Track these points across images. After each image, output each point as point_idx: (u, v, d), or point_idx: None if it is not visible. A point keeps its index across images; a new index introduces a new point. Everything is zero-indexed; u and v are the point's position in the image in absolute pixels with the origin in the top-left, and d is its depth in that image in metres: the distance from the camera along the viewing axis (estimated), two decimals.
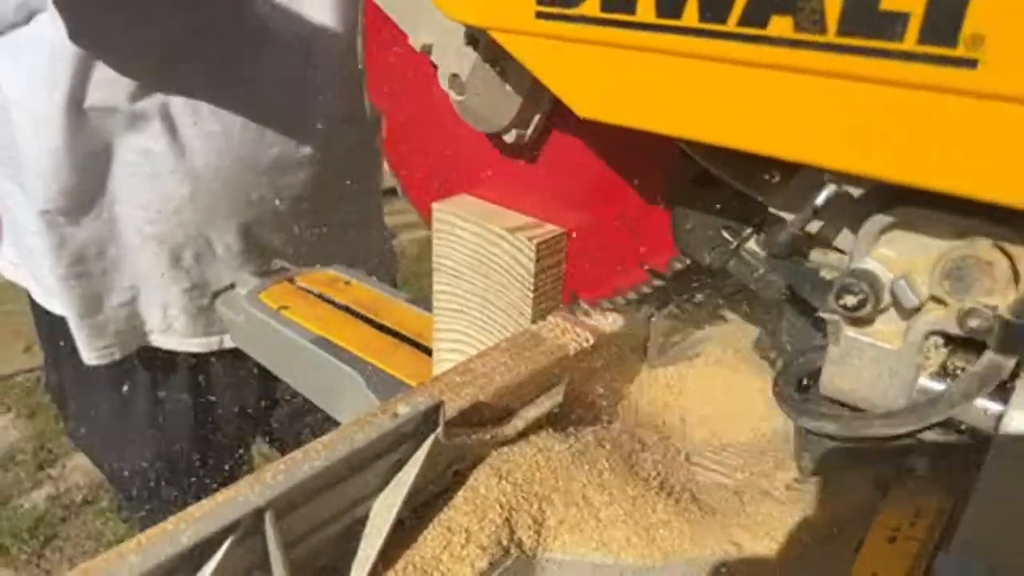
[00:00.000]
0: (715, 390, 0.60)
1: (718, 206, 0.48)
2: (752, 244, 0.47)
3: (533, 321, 0.57)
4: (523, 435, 0.49)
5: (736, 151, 0.35)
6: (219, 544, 0.32)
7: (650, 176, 0.51)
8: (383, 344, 0.76)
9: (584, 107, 0.39)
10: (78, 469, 2.23)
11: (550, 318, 0.58)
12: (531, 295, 0.56)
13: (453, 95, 0.53)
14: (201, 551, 0.32)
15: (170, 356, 1.10)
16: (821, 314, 0.40)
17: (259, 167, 1.00)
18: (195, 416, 1.14)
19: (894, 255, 0.37)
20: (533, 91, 0.50)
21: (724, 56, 0.32)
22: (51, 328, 1.09)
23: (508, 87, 0.50)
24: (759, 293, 0.48)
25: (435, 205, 0.60)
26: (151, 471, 1.14)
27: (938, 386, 0.38)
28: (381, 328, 0.79)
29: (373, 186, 1.23)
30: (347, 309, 0.84)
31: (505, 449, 0.47)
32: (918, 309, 0.37)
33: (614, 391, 0.61)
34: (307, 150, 1.03)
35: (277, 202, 1.03)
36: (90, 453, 1.22)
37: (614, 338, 0.58)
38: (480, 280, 0.59)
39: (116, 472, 1.19)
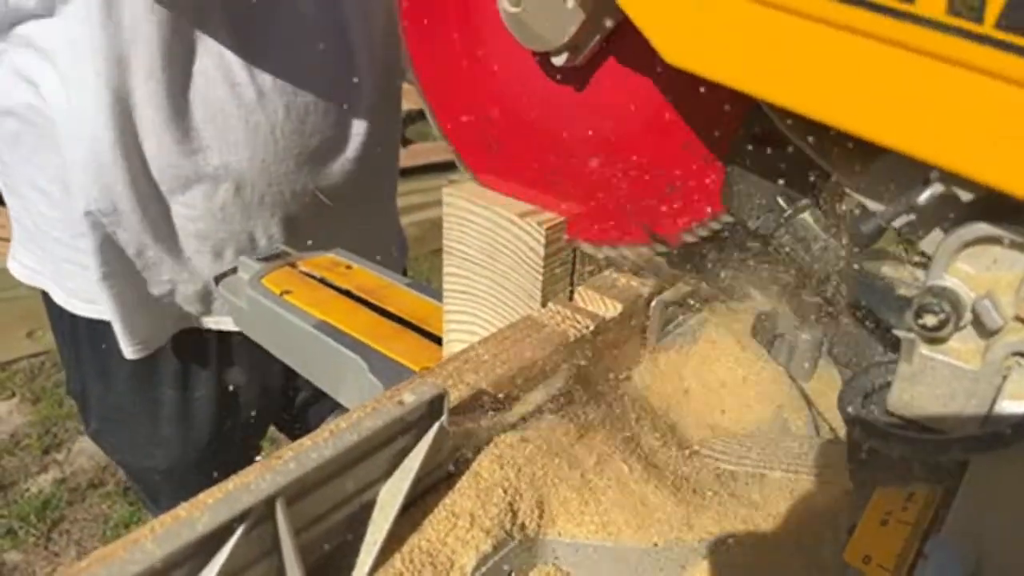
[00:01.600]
0: (714, 375, 0.61)
1: (778, 171, 0.45)
2: (807, 216, 0.46)
3: (543, 304, 0.58)
4: (525, 421, 0.50)
5: (822, 125, 0.32)
6: (232, 531, 0.33)
7: (707, 129, 0.48)
8: (385, 329, 0.77)
9: (673, 53, 0.36)
10: (83, 453, 2.25)
11: (551, 305, 0.59)
12: (540, 279, 0.57)
13: (506, 5, 0.49)
14: (215, 538, 0.33)
15: (199, 345, 1.10)
16: (897, 332, 0.38)
17: (301, 158, 1.00)
18: (221, 407, 1.14)
19: (974, 272, 0.34)
20: (597, 10, 0.46)
21: (853, 25, 0.29)
22: (74, 331, 1.09)
23: (571, 2, 0.46)
24: (805, 269, 0.46)
25: (445, 190, 0.60)
26: (178, 467, 1.15)
27: (1020, 410, 0.35)
28: (383, 313, 0.80)
29: (395, 170, 1.24)
30: (349, 294, 0.85)
31: (508, 435, 0.48)
32: (1000, 329, 0.35)
33: (614, 377, 0.62)
34: (346, 138, 1.03)
35: (318, 192, 1.03)
36: (112, 453, 1.23)
37: (614, 324, 0.59)
38: (490, 264, 0.60)
39: (142, 470, 1.20)
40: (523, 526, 0.45)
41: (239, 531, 0.33)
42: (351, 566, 0.40)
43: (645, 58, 0.37)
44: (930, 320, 0.35)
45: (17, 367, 2.58)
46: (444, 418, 0.42)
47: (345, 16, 0.99)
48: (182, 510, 0.37)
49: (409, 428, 0.41)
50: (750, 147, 0.46)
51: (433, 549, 0.42)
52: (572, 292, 0.61)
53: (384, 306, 0.81)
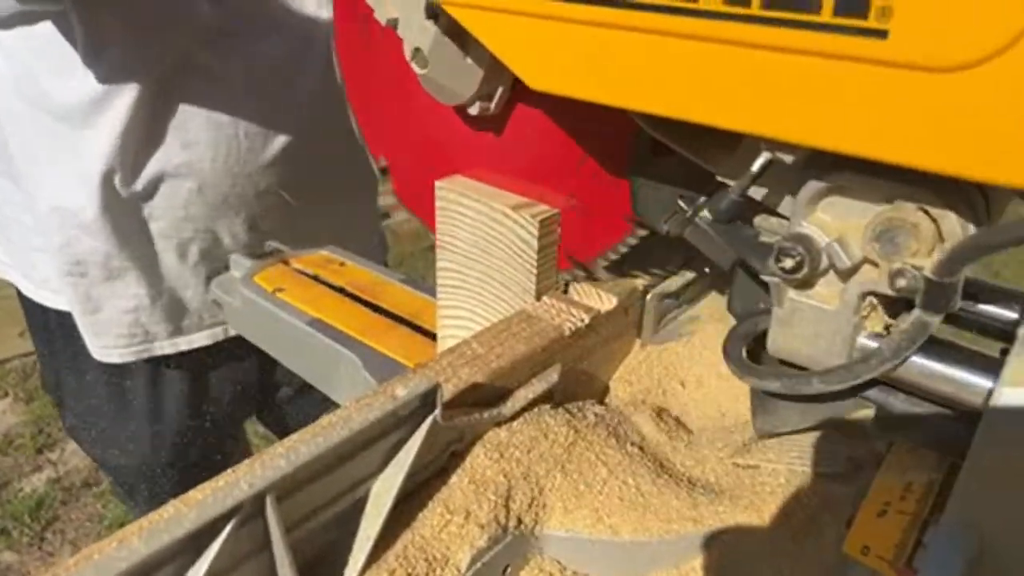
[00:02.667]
0: (710, 368, 0.61)
1: (674, 175, 0.49)
2: (706, 212, 0.49)
3: (537, 298, 0.58)
4: (520, 415, 0.49)
5: (682, 121, 0.36)
6: (221, 528, 0.32)
7: (610, 146, 0.52)
8: (379, 325, 0.76)
9: (534, 78, 0.41)
10: (77, 453, 2.24)
11: (545, 299, 0.58)
12: (535, 272, 0.56)
13: (417, 68, 0.54)
14: (203, 535, 0.32)
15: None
16: (763, 277, 0.42)
17: (264, 159, 0.99)
18: (194, 405, 1.13)
19: (829, 219, 0.39)
20: (494, 63, 0.50)
21: (658, 28, 0.34)
22: (46, 323, 1.08)
23: (469, 59, 0.51)
24: (714, 260, 0.49)
25: (438, 183, 0.60)
26: (151, 464, 1.14)
27: (874, 344, 0.40)
28: (376, 309, 0.79)
29: (371, 171, 1.23)
30: (342, 291, 0.84)
31: (502, 429, 0.48)
32: (854, 271, 0.39)
33: (610, 370, 0.61)
34: (313, 139, 1.03)
35: (282, 191, 1.02)
36: (88, 448, 1.22)
37: (610, 317, 0.58)
38: (483, 258, 0.60)
39: (115, 466, 1.19)
40: (519, 520, 0.44)
41: (228, 528, 0.33)
42: (344, 562, 0.40)
43: (544, 97, 0.41)
44: (787, 263, 0.39)
45: (10, 366, 2.57)
46: (438, 412, 0.42)
47: (309, 16, 0.98)
48: (170, 508, 0.37)
49: (402, 422, 0.41)
50: (647, 157, 0.50)
51: (427, 544, 0.41)
52: (567, 285, 0.61)
53: (378, 303, 0.81)
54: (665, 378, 0.61)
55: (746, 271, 0.48)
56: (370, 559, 0.40)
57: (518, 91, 0.55)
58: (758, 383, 0.45)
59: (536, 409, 0.50)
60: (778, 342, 0.43)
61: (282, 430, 1.28)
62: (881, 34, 0.28)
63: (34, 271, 1.04)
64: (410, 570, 0.40)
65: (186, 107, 0.92)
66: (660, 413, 0.57)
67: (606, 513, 0.46)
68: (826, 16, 0.29)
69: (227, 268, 0.95)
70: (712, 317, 0.63)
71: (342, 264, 0.91)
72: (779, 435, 0.49)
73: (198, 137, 0.94)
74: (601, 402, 0.59)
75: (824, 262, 0.39)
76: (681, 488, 0.47)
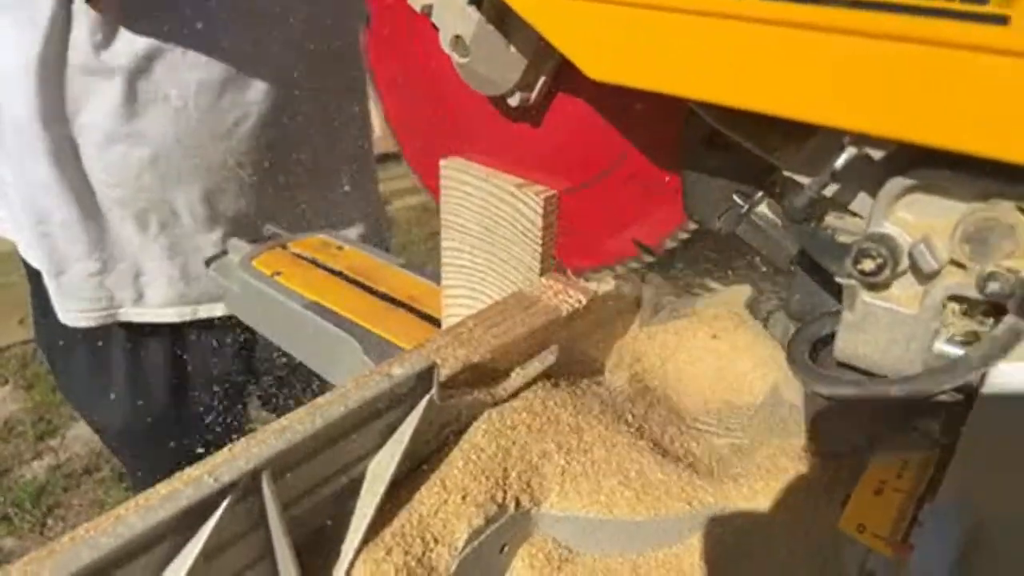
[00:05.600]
0: (709, 349, 0.60)
1: (728, 169, 0.47)
2: (763, 208, 0.47)
3: (541, 275, 0.58)
4: (517, 395, 0.49)
5: (750, 113, 0.33)
6: (217, 504, 0.32)
7: (659, 140, 0.50)
8: (377, 309, 0.76)
9: (595, 69, 0.38)
10: (78, 439, 2.25)
11: (543, 279, 0.58)
12: (539, 250, 0.57)
13: (456, 58, 0.52)
14: (199, 512, 0.32)
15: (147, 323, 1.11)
16: (838, 279, 0.39)
17: (216, 132, 0.99)
18: (173, 379, 1.15)
19: (912, 219, 0.36)
20: (539, 52, 0.49)
21: (740, 13, 0.31)
22: (38, 283, 1.10)
23: (513, 48, 0.49)
24: (769, 258, 0.47)
25: (443, 162, 0.60)
26: (132, 429, 1.15)
27: (956, 351, 0.37)
28: (375, 293, 0.79)
29: (355, 151, 1.22)
30: (340, 274, 0.84)
31: (500, 409, 0.48)
32: (936, 273, 0.36)
33: (608, 351, 0.61)
34: (264, 115, 1.02)
35: (238, 168, 1.03)
36: (77, 408, 1.24)
37: (607, 298, 0.58)
38: (488, 236, 0.60)
39: (99, 427, 1.21)
40: (516, 499, 0.44)
41: (224, 505, 0.33)
42: (341, 540, 0.40)
43: (590, 87, 0.39)
44: (868, 265, 0.36)
45: (10, 354, 2.57)
46: (434, 391, 0.42)
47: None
48: (167, 484, 0.37)
49: (399, 401, 0.41)
50: (699, 151, 0.47)
51: (424, 523, 0.41)
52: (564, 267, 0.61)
53: (376, 286, 0.80)
54: (662, 359, 0.61)
55: (806, 271, 0.46)
56: (367, 537, 0.40)
57: (561, 81, 0.52)
58: (830, 391, 0.41)
59: (533, 389, 0.50)
60: (847, 347, 0.40)
61: (281, 412, 1.28)
62: (1001, 20, 0.26)
63: (21, 232, 1.05)
64: (407, 548, 0.40)
65: (137, 74, 0.93)
66: (658, 394, 0.57)
67: (603, 492, 0.46)
68: (939, 0, 0.26)
69: (194, 248, 0.96)
70: (710, 299, 0.63)
71: (340, 248, 0.91)
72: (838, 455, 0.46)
73: (144, 108, 0.95)
74: (598, 383, 0.59)
75: (904, 264, 0.36)
76: (677, 468, 0.47)
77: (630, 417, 0.52)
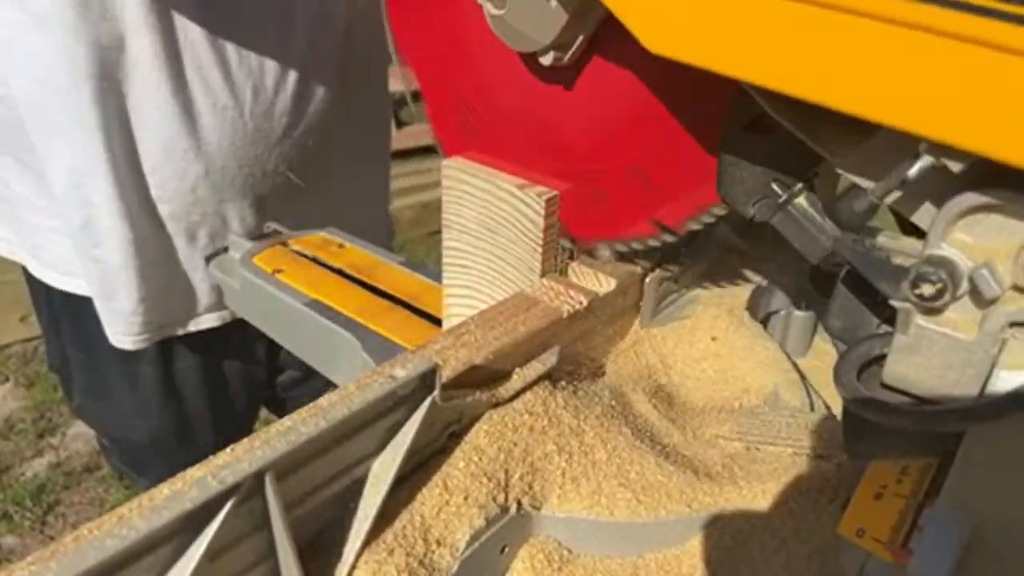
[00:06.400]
0: (709, 351, 0.61)
1: (770, 157, 0.45)
2: (802, 200, 0.46)
3: (542, 276, 0.58)
4: (519, 396, 0.50)
5: (811, 105, 0.31)
6: (220, 506, 0.33)
7: (700, 119, 0.48)
8: (378, 307, 0.76)
9: (656, 41, 0.35)
10: (79, 437, 2.25)
11: (544, 280, 0.58)
12: (540, 251, 0.57)
13: (490, 8, 0.50)
14: (203, 513, 0.32)
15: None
16: (893, 302, 0.38)
17: (271, 139, 0.99)
18: (206, 385, 1.14)
19: (972, 241, 0.34)
20: (581, 8, 0.46)
21: (833, 2, 0.29)
22: (51, 304, 1.08)
23: (554, 2, 0.46)
24: (803, 251, 0.46)
25: (444, 162, 0.60)
26: (162, 440, 1.14)
27: (1016, 379, 0.35)
28: (375, 291, 0.79)
29: (384, 154, 1.23)
30: (341, 272, 0.84)
31: (501, 410, 0.48)
32: (997, 299, 0.34)
33: (609, 352, 0.61)
34: (316, 119, 1.02)
35: (289, 173, 1.02)
36: (95, 424, 1.22)
37: (608, 300, 0.58)
38: (490, 237, 0.60)
39: (125, 442, 1.20)
40: (517, 501, 0.45)
41: (227, 506, 0.33)
42: (343, 541, 0.40)
43: (631, 53, 0.37)
44: (927, 289, 0.34)
45: (11, 351, 2.57)
46: (436, 392, 0.42)
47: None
48: (169, 485, 0.37)
49: (401, 402, 0.41)
50: (740, 135, 0.46)
51: (426, 524, 0.41)
52: (566, 268, 0.61)
53: (377, 284, 0.80)
54: (663, 360, 0.61)
55: (850, 289, 0.44)
56: (368, 538, 0.40)
57: (600, 44, 0.49)
58: (884, 420, 0.39)
59: (535, 390, 0.50)
60: (899, 369, 0.38)
61: (284, 413, 1.28)
62: None
63: (43, 252, 1.04)
64: (408, 549, 0.40)
65: (192, 90, 0.92)
66: (658, 395, 0.57)
67: (604, 494, 0.46)
68: None
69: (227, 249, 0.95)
70: (710, 301, 0.63)
71: (341, 246, 0.91)
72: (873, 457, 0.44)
73: (202, 120, 0.94)
74: (599, 384, 0.59)
75: (964, 288, 0.34)
76: (678, 469, 0.48)
77: (630, 419, 0.52)
